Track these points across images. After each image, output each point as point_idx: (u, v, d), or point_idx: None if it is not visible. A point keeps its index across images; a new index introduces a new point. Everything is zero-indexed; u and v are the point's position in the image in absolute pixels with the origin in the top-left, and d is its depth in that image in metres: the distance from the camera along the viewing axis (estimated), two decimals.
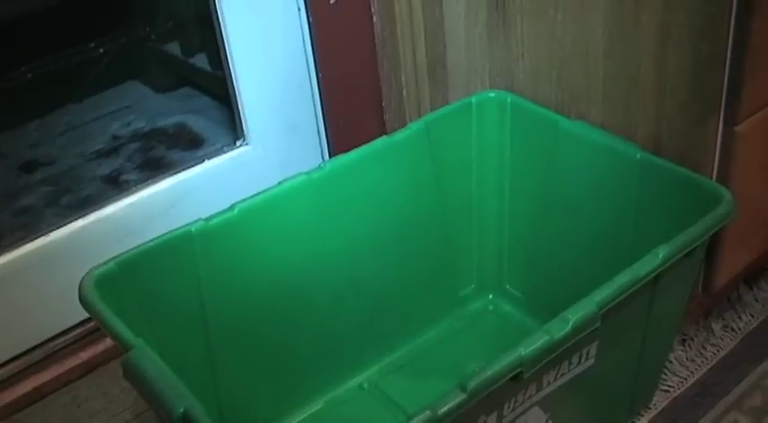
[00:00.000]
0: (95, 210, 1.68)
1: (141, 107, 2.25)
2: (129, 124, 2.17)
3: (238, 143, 1.80)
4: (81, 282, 1.25)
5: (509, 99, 1.57)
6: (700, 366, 1.57)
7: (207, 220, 1.36)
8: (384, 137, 1.52)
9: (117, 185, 1.91)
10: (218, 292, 1.38)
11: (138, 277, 1.31)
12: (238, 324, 1.43)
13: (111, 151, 2.07)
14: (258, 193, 1.40)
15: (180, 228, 1.34)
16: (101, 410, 1.59)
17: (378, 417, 1.52)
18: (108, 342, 1.67)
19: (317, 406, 1.55)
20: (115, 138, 2.12)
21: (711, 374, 1.56)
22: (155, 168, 1.96)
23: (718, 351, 1.59)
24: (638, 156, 1.38)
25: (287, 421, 1.52)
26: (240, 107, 1.77)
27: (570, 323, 1.10)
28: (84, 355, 1.68)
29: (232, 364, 1.43)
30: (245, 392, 1.46)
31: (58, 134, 2.16)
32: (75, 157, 2.06)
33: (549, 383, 1.21)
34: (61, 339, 1.69)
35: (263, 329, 1.46)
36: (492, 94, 1.58)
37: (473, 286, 1.73)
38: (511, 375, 1.07)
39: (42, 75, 2.21)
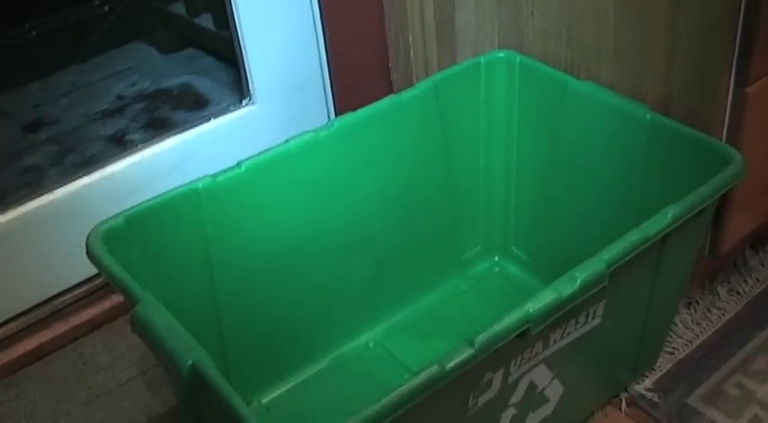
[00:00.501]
0: (100, 168, 1.67)
1: (145, 68, 2.24)
2: (133, 85, 2.16)
3: (244, 102, 1.79)
4: (88, 236, 1.24)
5: (518, 59, 1.56)
6: (705, 329, 1.58)
7: (214, 176, 1.35)
8: (392, 96, 1.51)
9: (122, 145, 1.91)
10: (225, 248, 1.38)
11: (145, 233, 1.31)
12: (245, 281, 1.42)
13: (116, 111, 2.06)
14: (265, 151, 1.40)
15: (187, 184, 1.34)
16: (106, 367, 1.60)
17: (383, 375, 1.52)
18: (114, 299, 1.68)
19: (322, 364, 1.56)
20: (120, 98, 2.11)
21: (716, 337, 1.57)
22: (159, 128, 1.95)
23: (723, 314, 1.60)
24: (648, 117, 1.37)
25: (292, 379, 1.53)
26: (246, 66, 1.76)
27: (578, 281, 1.10)
28: (90, 313, 1.69)
29: (238, 321, 1.43)
30: (251, 349, 1.46)
31: (62, 94, 2.16)
32: (79, 117, 2.05)
33: (555, 342, 1.22)
34: (66, 296, 1.69)
35: (268, 287, 1.46)
36: (501, 54, 1.57)
37: (479, 247, 1.73)
38: (518, 332, 1.07)
39: (46, 33, 2.21)
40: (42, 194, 1.62)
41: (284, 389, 1.53)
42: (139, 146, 1.72)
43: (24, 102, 2.14)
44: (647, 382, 1.49)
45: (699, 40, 1.32)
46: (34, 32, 2.21)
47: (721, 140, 1.38)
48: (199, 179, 1.35)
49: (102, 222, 1.27)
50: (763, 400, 1.43)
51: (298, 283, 1.50)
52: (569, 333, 1.23)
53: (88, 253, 1.23)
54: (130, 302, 1.14)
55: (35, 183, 1.77)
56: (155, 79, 2.18)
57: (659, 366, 1.52)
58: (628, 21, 1.41)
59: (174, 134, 1.74)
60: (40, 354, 1.63)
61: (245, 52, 1.75)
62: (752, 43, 1.30)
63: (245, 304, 1.44)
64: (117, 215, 1.28)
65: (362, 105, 1.49)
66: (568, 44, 1.52)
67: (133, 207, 1.30)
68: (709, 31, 1.31)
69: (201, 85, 2.12)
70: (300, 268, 1.49)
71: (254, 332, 1.47)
